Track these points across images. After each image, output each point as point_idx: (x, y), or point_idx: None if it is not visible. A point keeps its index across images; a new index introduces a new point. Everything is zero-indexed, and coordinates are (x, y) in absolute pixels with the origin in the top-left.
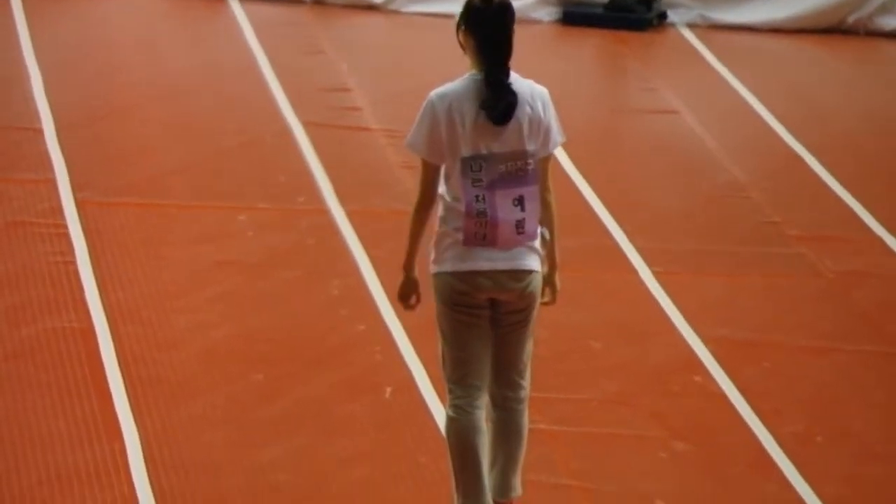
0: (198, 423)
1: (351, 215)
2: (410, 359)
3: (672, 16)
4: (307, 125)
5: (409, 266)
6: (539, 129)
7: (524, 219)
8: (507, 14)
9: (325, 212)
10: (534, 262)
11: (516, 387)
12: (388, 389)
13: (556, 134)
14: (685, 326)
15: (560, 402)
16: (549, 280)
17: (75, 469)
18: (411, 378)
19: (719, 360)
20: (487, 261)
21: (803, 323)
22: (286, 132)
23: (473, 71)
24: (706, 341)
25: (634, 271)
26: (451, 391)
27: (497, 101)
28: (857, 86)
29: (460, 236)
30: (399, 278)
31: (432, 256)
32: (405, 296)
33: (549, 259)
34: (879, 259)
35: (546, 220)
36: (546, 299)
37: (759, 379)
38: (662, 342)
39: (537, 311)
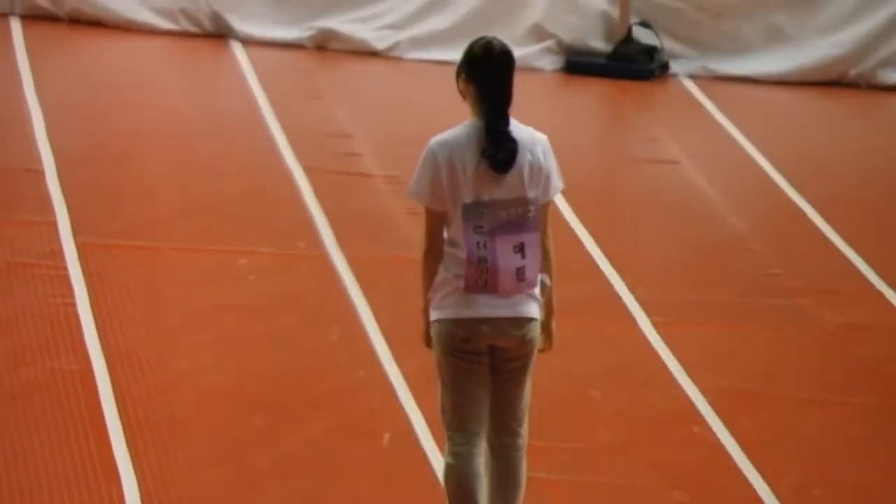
0: (196, 466)
1: (351, 261)
2: (409, 405)
3: (674, 66)
4: (308, 170)
5: (426, 311)
6: (540, 175)
7: (525, 266)
8: (507, 63)
9: (325, 257)
10: (534, 310)
11: (514, 434)
12: (387, 436)
13: (556, 180)
14: (684, 377)
15: (558, 450)
16: (545, 327)
17: None
18: (410, 425)
19: (718, 411)
20: (488, 308)
21: (803, 375)
22: (287, 177)
23: (474, 118)
24: (705, 392)
25: (634, 320)
26: (449, 438)
27: (498, 149)
28: (860, 139)
29: (461, 283)
30: (407, 329)
31: (433, 303)
32: (429, 339)
33: (547, 306)
34: (880, 313)
35: (545, 266)
36: (542, 346)
37: (758, 430)
38: (661, 392)
39: (536, 359)
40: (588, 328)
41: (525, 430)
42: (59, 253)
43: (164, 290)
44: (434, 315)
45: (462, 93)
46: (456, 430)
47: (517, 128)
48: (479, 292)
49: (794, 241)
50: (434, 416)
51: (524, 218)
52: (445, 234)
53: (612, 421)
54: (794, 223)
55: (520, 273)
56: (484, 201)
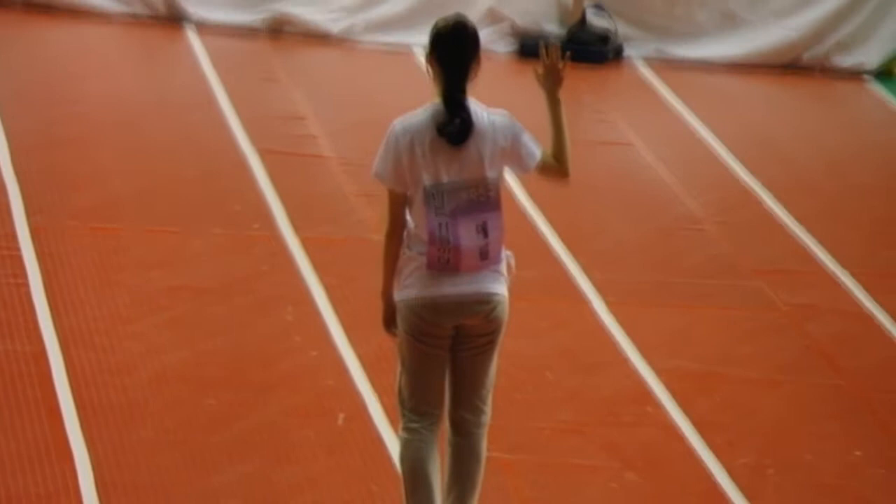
0: (149, 447)
1: (305, 242)
2: (363, 386)
3: (629, 50)
4: (262, 153)
5: (387, 293)
6: (501, 156)
7: (487, 244)
8: (466, 35)
9: (279, 239)
10: (499, 287)
11: (478, 412)
12: (341, 416)
13: (532, 146)
14: (638, 358)
15: (514, 431)
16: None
17: (25, 491)
18: (364, 405)
19: (672, 392)
20: (452, 286)
21: (757, 355)
22: (241, 159)
23: (437, 101)
24: (659, 373)
25: (588, 302)
26: (404, 415)
27: (452, 120)
28: (812, 123)
29: (424, 261)
30: (362, 311)
31: (397, 285)
32: (390, 322)
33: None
34: (833, 294)
35: (560, 168)
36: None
37: (712, 411)
38: (616, 373)
39: (502, 337)
40: (542, 310)
41: (488, 408)
42: (12, 235)
43: (117, 271)
44: (398, 296)
45: (430, 74)
46: (412, 409)
47: (475, 106)
48: (441, 270)
49: (748, 224)
50: (388, 397)
51: (485, 198)
52: (406, 216)
53: (565, 402)
54: (748, 206)
55: (483, 252)
56: (444, 183)
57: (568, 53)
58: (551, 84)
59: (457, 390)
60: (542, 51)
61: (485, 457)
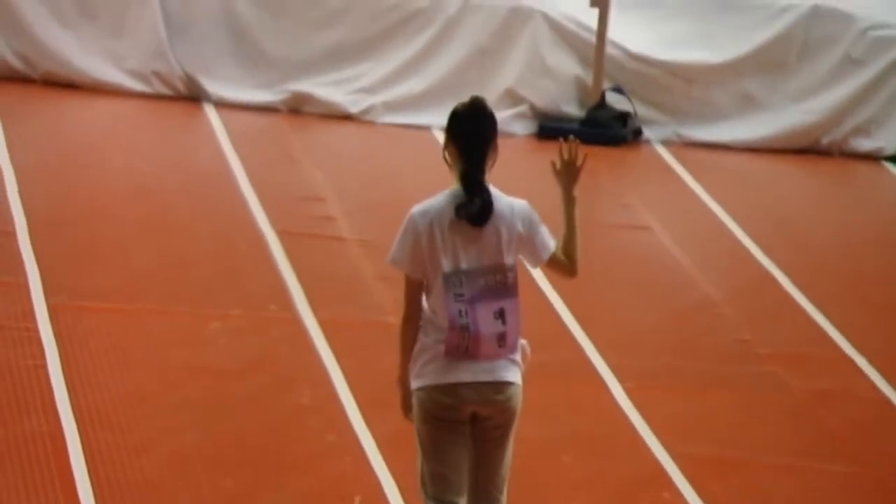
0: None
1: (323, 324)
2: (380, 469)
3: (647, 133)
4: (281, 233)
5: (404, 379)
6: (518, 242)
7: (505, 332)
8: (484, 115)
9: (297, 320)
10: (515, 375)
11: (494, 501)
12: (358, 499)
13: (547, 238)
14: (654, 442)
15: None
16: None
17: None
18: (380, 489)
19: (688, 477)
20: (469, 373)
21: (772, 441)
22: (259, 239)
23: (455, 186)
24: (675, 457)
25: (605, 386)
26: None
27: (472, 200)
28: (831, 206)
29: (441, 348)
30: (380, 394)
31: (413, 372)
32: (408, 408)
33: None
34: (849, 379)
35: (570, 266)
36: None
37: (727, 496)
38: (631, 457)
39: (516, 426)
40: (559, 393)
41: (504, 497)
42: (30, 314)
43: (135, 351)
44: (415, 384)
45: (447, 162)
46: (435, 499)
47: (497, 195)
48: (459, 358)
49: (765, 308)
50: (405, 480)
51: (503, 284)
52: (423, 301)
53: (582, 486)
54: (765, 290)
55: (500, 339)
56: (463, 269)
57: (583, 152)
58: (567, 180)
59: (473, 482)
60: (561, 146)
61: None
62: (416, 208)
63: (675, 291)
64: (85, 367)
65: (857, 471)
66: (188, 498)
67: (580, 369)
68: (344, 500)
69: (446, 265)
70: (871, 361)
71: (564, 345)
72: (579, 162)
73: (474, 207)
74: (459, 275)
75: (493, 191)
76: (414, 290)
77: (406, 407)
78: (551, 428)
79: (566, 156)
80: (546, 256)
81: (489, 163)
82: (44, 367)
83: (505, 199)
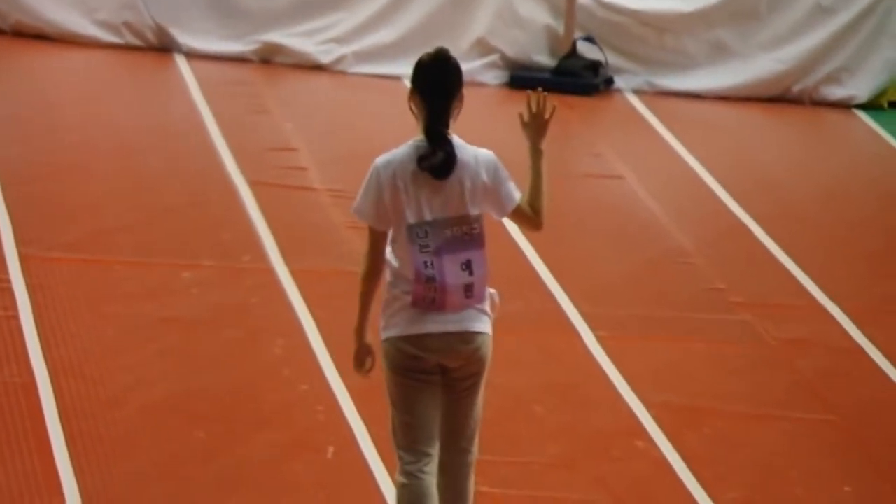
0: (138, 480)
1: (295, 275)
2: (353, 419)
3: (619, 82)
4: (253, 184)
5: (361, 332)
6: (484, 193)
7: (472, 283)
8: (448, 66)
9: (269, 271)
10: (483, 325)
11: (464, 452)
12: (331, 449)
13: (513, 191)
14: (628, 391)
15: (502, 464)
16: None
17: None
18: (354, 438)
19: (662, 426)
20: (436, 324)
21: (746, 390)
22: (231, 190)
23: (420, 136)
24: (649, 407)
25: (578, 336)
26: (400, 458)
27: (434, 153)
28: (803, 154)
29: (409, 299)
30: (351, 344)
31: (381, 323)
32: (360, 361)
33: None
34: (823, 327)
35: (536, 218)
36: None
37: (702, 445)
38: (605, 407)
39: (486, 376)
40: (531, 343)
41: (475, 448)
42: (2, 266)
43: (107, 303)
44: (383, 335)
45: (413, 112)
46: (407, 449)
47: (460, 145)
48: (427, 309)
49: (738, 257)
50: (378, 429)
51: (469, 235)
52: (388, 253)
53: (555, 435)
54: (738, 238)
55: (468, 290)
56: (427, 220)
57: (551, 104)
58: (535, 133)
59: (444, 432)
60: (529, 98)
61: (472, 494)
62: (380, 159)
63: (648, 240)
64: (57, 319)
65: (831, 418)
66: (160, 450)
67: (553, 319)
68: (317, 450)
69: (410, 216)
70: (843, 309)
71: (537, 295)
72: (547, 114)
73: (436, 159)
74: (424, 226)
75: (457, 141)
76: (377, 241)
77: (358, 361)
78: (524, 378)
79: (534, 108)
80: (511, 207)
81: (453, 114)
82: (16, 317)
83: (469, 150)
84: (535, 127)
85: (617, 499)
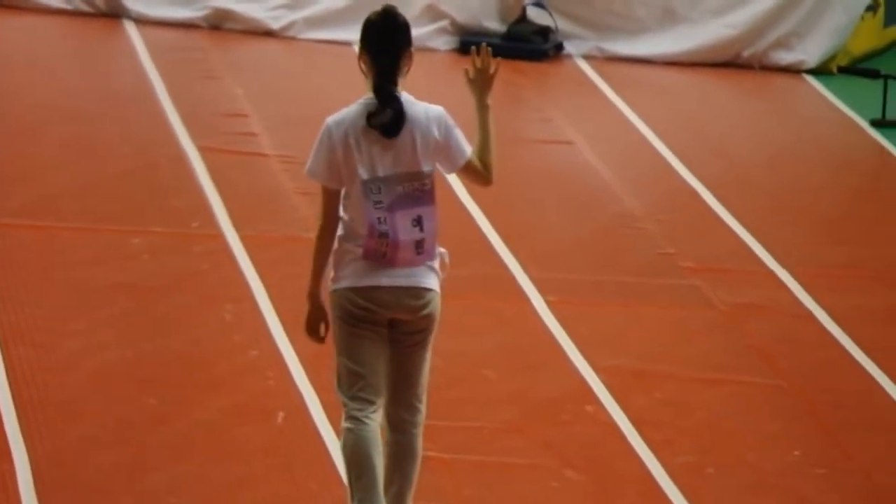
0: (88, 446)
1: (245, 241)
2: (303, 385)
3: (569, 47)
4: (202, 150)
5: (314, 294)
6: (435, 149)
7: (423, 239)
8: (395, 23)
9: (219, 237)
10: (433, 282)
11: (414, 410)
12: (281, 415)
13: (463, 145)
14: (577, 356)
15: (451, 430)
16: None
17: None
18: (304, 404)
19: (611, 390)
20: (387, 277)
21: (696, 354)
22: (181, 156)
23: (370, 95)
24: (598, 371)
25: (527, 300)
26: (345, 405)
27: (383, 109)
28: (752, 120)
29: (360, 251)
30: (302, 310)
31: (332, 275)
32: (314, 326)
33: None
34: (772, 292)
35: (485, 173)
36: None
37: (651, 409)
38: (555, 371)
39: (435, 334)
40: (481, 308)
41: (424, 407)
42: None
43: (56, 269)
44: (332, 286)
45: (363, 71)
46: (352, 398)
47: (410, 102)
48: (377, 263)
49: (688, 222)
50: (328, 394)
51: (420, 191)
52: (342, 209)
53: (505, 400)
54: (688, 203)
55: (418, 245)
56: (380, 177)
57: (496, 61)
58: (480, 89)
59: (393, 389)
60: (473, 54)
61: (420, 455)
62: (331, 118)
63: (598, 205)
64: (6, 285)
65: (780, 383)
66: (111, 416)
67: (502, 284)
68: (267, 415)
69: (363, 173)
70: (793, 274)
71: (486, 259)
72: (492, 70)
73: (385, 117)
74: (377, 182)
75: (407, 98)
76: (331, 200)
77: (311, 325)
78: (474, 343)
79: (479, 64)
80: (462, 161)
81: (402, 71)
82: None
83: (420, 106)
84: (481, 82)
85: (566, 463)
